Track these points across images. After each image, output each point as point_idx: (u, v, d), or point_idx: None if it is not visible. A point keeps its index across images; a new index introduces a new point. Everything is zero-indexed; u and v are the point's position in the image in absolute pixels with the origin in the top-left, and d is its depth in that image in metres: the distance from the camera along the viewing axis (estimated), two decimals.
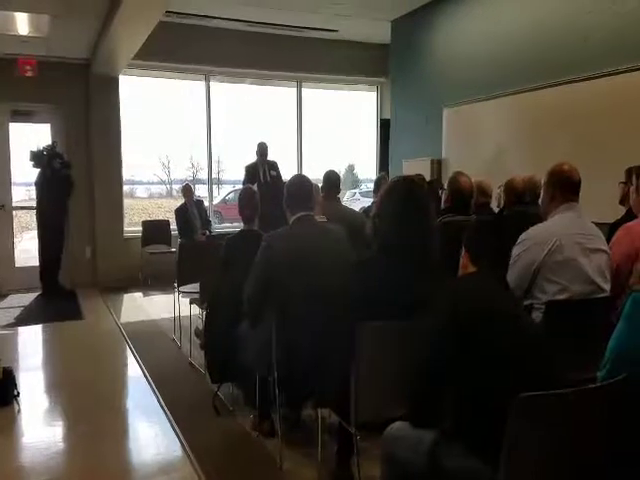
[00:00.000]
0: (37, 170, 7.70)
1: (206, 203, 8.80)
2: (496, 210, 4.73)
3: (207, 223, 8.20)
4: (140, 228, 8.63)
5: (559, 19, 5.50)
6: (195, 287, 4.76)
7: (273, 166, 7.12)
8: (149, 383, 4.36)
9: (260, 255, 3.01)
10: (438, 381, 1.81)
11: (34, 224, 8.36)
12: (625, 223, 3.07)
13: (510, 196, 4.20)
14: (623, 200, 3.68)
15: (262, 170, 6.99)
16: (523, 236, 2.77)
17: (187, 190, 8.09)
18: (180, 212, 7.95)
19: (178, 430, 3.50)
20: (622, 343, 1.77)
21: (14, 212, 8.34)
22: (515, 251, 2.75)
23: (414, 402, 1.94)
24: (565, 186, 2.80)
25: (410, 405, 1.95)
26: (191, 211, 7.95)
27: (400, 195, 2.49)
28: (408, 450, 1.93)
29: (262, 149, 7.05)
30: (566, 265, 2.65)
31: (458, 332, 1.74)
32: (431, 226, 2.46)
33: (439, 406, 1.84)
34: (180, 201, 8.23)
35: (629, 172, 3.46)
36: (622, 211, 3.63)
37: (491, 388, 1.67)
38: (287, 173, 7.00)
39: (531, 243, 2.71)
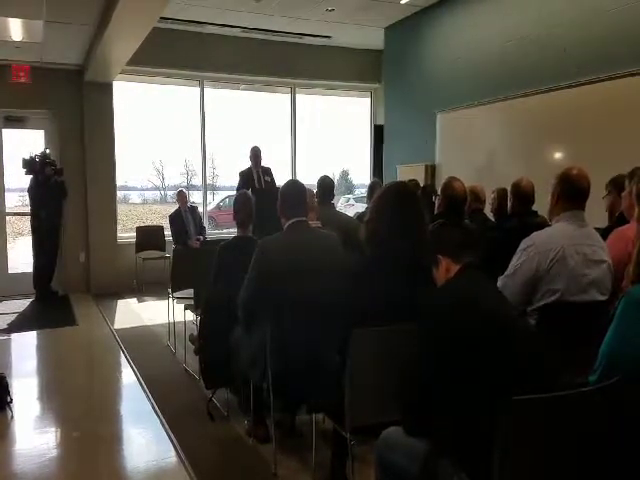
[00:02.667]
0: (30, 176, 7.69)
1: (200, 209, 8.80)
2: (490, 216, 4.73)
3: (201, 229, 8.19)
4: (134, 234, 8.62)
5: (546, 27, 5.54)
6: (189, 293, 4.75)
7: (267, 172, 7.12)
8: (143, 389, 4.35)
9: (254, 261, 3.02)
10: (429, 392, 1.81)
11: (27, 230, 8.34)
12: (616, 227, 3.08)
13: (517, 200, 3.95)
14: (612, 210, 3.68)
15: (256, 175, 7.00)
16: (526, 242, 2.73)
17: (181, 196, 8.09)
18: (174, 218, 7.96)
19: (172, 436, 3.49)
20: (614, 346, 1.78)
21: (7, 218, 8.33)
22: (516, 259, 2.72)
23: (406, 412, 1.93)
24: (570, 191, 2.74)
25: (403, 414, 1.95)
26: (185, 217, 7.95)
27: (393, 200, 2.50)
28: (402, 456, 1.93)
29: (255, 153, 7.04)
30: (567, 275, 2.62)
31: (446, 347, 1.74)
32: (424, 231, 2.47)
33: (431, 416, 1.84)
34: (174, 207, 8.23)
35: (614, 182, 3.48)
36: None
37: (481, 401, 1.67)
38: (281, 179, 7.01)
39: (534, 251, 2.67)
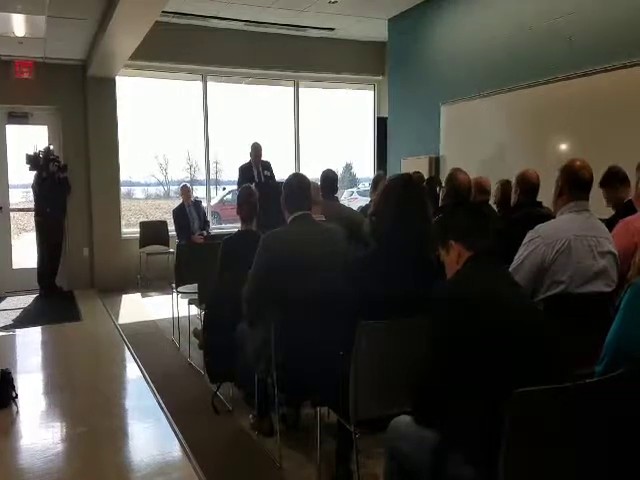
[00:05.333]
0: (34, 172, 7.69)
1: (204, 204, 8.78)
2: (495, 207, 4.71)
3: (205, 224, 8.19)
4: (138, 229, 8.62)
5: (553, 17, 5.50)
6: (193, 287, 4.75)
7: (267, 166, 7.13)
8: (148, 384, 4.36)
9: (258, 255, 3.00)
10: (440, 384, 1.79)
11: (31, 226, 8.35)
12: (621, 217, 3.07)
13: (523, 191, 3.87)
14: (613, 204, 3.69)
15: (256, 170, 7.00)
16: (531, 234, 2.73)
17: (184, 191, 8.09)
18: (177, 212, 7.96)
19: (177, 430, 3.50)
20: (620, 337, 1.76)
21: (11, 214, 8.33)
22: (522, 251, 2.72)
23: (417, 401, 1.92)
24: (574, 183, 2.75)
25: (413, 404, 1.94)
26: (189, 212, 7.96)
27: (398, 193, 2.49)
28: (412, 445, 1.93)
29: (256, 150, 7.06)
30: (572, 267, 2.62)
31: (458, 341, 1.72)
32: (429, 223, 2.45)
33: (442, 407, 1.82)
34: (178, 202, 8.23)
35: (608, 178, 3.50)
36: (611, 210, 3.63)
37: (490, 394, 1.66)
38: (285, 172, 7.01)
39: (540, 243, 2.66)
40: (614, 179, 3.70)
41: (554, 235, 2.67)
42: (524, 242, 2.74)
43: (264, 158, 7.13)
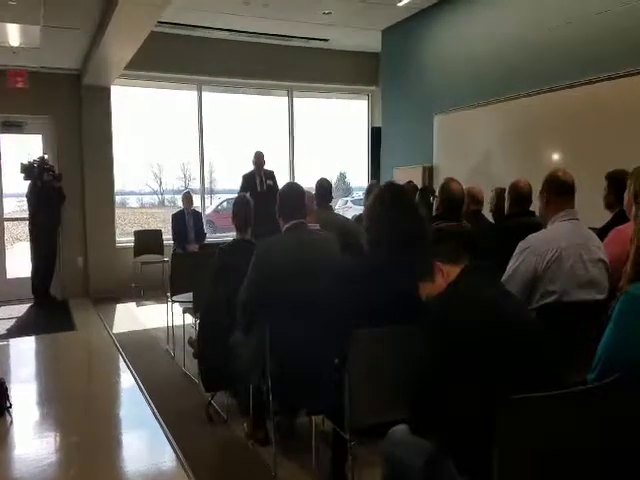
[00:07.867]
0: (28, 182, 7.68)
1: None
2: (489, 217, 4.73)
3: (201, 236, 8.19)
4: (132, 238, 8.61)
5: (545, 28, 5.55)
6: (188, 296, 4.74)
7: (270, 175, 7.15)
8: (142, 393, 4.34)
9: (253, 263, 3.02)
10: (434, 393, 1.80)
11: (25, 235, 8.33)
12: (613, 226, 3.09)
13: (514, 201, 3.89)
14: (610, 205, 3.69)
15: (259, 179, 7.02)
16: (523, 245, 2.75)
17: (187, 198, 8.13)
18: (176, 218, 8.03)
19: (172, 439, 3.49)
20: (612, 344, 1.78)
21: (5, 223, 8.32)
22: (514, 261, 2.74)
23: (412, 411, 1.93)
24: (559, 190, 2.80)
25: (409, 413, 1.95)
26: (187, 220, 7.99)
27: (388, 200, 2.51)
28: (409, 454, 1.93)
29: (258, 158, 7.08)
30: (564, 276, 2.64)
31: (451, 349, 1.73)
32: (422, 230, 2.46)
33: (436, 417, 1.83)
34: (172, 211, 8.25)
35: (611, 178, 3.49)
36: (607, 216, 3.63)
37: (484, 402, 1.67)
38: (280, 181, 7.03)
39: (531, 253, 2.69)
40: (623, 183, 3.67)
41: (545, 245, 2.69)
42: (515, 253, 2.76)
43: (267, 167, 7.14)
